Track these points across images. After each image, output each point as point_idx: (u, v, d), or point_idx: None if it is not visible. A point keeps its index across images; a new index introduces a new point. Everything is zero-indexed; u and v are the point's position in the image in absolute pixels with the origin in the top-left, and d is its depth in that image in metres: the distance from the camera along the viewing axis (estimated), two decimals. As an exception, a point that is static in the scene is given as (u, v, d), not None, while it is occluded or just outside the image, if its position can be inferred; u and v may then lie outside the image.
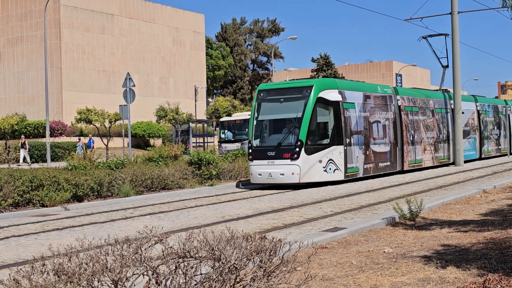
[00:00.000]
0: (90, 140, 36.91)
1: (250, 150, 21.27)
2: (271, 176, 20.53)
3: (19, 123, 45.04)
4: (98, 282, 4.59)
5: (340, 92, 21.75)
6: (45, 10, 31.26)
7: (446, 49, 34.75)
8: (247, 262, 5.14)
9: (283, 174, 20.34)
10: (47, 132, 30.81)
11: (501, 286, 5.87)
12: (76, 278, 4.48)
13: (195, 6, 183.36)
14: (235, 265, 5.00)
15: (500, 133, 38.83)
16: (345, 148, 21.59)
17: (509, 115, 40.49)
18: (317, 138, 21.20)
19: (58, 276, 4.51)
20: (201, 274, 4.96)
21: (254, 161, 21.05)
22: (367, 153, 23.11)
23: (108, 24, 54.51)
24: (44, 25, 31.70)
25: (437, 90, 33.31)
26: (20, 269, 4.59)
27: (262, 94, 21.78)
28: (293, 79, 25.38)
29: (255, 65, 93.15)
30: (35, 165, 23.09)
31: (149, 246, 5.01)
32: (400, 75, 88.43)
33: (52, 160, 33.75)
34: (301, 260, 7.26)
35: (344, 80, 24.83)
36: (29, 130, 44.71)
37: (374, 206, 14.77)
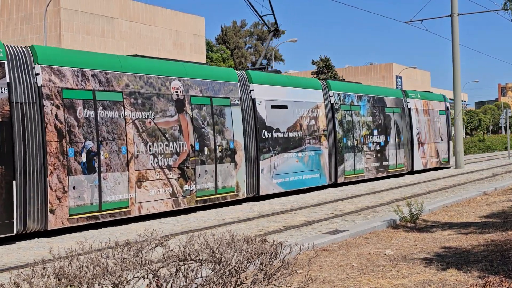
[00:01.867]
0: None
1: None
2: None
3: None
4: (99, 285, 4.59)
5: None
6: (45, 13, 31.28)
7: (270, 3, 20.97)
8: (247, 265, 5.14)
9: None
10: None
11: (502, 288, 5.86)
12: (76, 281, 4.48)
13: (195, 9, 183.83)
14: (235, 268, 5.00)
15: (387, 142, 24.57)
16: None
17: (410, 112, 26.58)
18: None
19: (59, 279, 4.51)
20: (201, 277, 4.96)
21: None
22: None
23: (109, 27, 54.59)
24: (44, 29, 31.73)
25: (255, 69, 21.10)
26: (21, 272, 4.59)
27: None
28: None
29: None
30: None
31: (150, 249, 5.02)
32: (401, 77, 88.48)
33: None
34: (301, 262, 7.27)
35: None
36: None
37: (375, 208, 14.77)
